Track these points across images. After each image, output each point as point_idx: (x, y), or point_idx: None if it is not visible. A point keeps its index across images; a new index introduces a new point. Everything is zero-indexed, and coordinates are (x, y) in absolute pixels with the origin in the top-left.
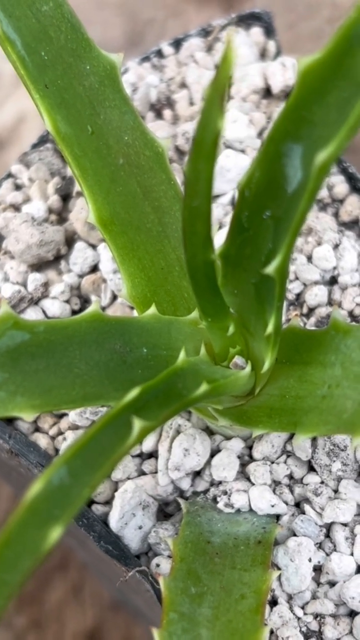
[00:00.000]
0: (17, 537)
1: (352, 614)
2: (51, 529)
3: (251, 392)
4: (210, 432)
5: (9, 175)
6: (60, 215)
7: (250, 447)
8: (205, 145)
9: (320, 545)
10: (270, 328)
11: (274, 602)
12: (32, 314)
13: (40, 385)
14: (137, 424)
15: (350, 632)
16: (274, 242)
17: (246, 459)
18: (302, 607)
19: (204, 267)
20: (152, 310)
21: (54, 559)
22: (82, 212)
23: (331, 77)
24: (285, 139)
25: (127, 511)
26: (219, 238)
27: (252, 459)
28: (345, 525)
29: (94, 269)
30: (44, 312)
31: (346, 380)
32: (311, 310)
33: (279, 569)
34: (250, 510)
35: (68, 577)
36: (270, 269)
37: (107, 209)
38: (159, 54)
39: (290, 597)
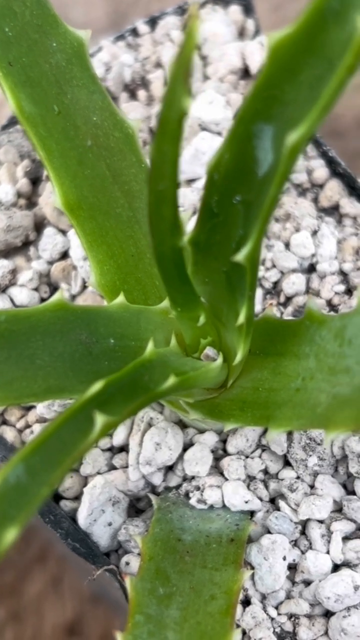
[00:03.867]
0: None
1: (327, 614)
2: (6, 530)
3: (223, 384)
4: (183, 425)
5: None
6: (30, 199)
7: (224, 441)
8: (171, 126)
9: (295, 543)
10: (242, 318)
11: (247, 602)
12: None
13: (1, 377)
14: (100, 419)
15: (326, 633)
16: (245, 227)
17: (220, 453)
18: (276, 607)
19: (172, 254)
20: (121, 299)
21: (33, 550)
22: (51, 196)
23: (303, 54)
24: (255, 119)
25: (96, 507)
26: (192, 224)
27: (226, 453)
28: (321, 522)
29: (64, 255)
30: (11, 300)
31: (320, 372)
32: (288, 299)
33: (252, 567)
34: (224, 506)
35: (47, 569)
36: (241, 256)
37: (74, 192)
38: (134, 32)
39: (263, 597)
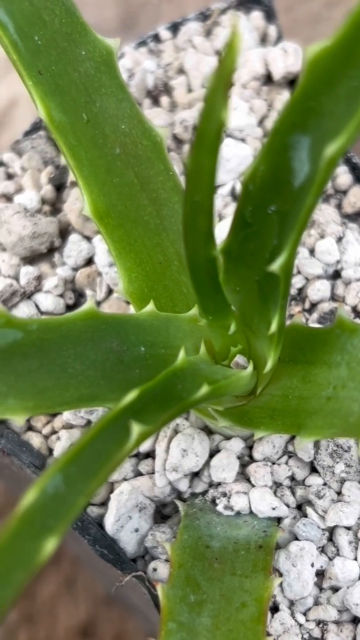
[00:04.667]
0: (10, 549)
1: (355, 620)
2: (46, 540)
3: (253, 392)
4: (209, 431)
5: (1, 163)
6: (54, 205)
7: (250, 447)
8: (208, 137)
9: (322, 550)
10: (273, 327)
11: (275, 609)
12: (24, 309)
13: (34, 386)
14: (136, 429)
15: (354, 639)
16: (279, 238)
17: (246, 460)
18: (304, 614)
19: (205, 264)
20: (150, 307)
21: None
22: (76, 202)
23: (341, 66)
24: (292, 130)
25: (123, 513)
26: (219, 230)
27: (252, 459)
28: (348, 528)
29: (89, 261)
30: (37, 306)
31: (352, 381)
32: (313, 305)
33: (280, 574)
34: (251, 512)
35: (61, 570)
36: (275, 266)
37: (103, 200)
38: (156, 38)
39: (292, 603)
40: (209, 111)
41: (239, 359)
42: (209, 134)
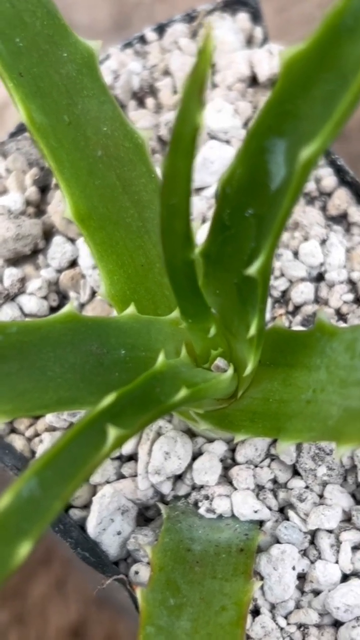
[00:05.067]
0: None
1: (336, 624)
2: (20, 544)
3: (234, 395)
4: (192, 434)
5: None
6: (38, 207)
7: (233, 450)
8: (184, 141)
9: (304, 553)
10: (253, 330)
11: (256, 612)
12: (8, 311)
13: (13, 389)
14: (112, 433)
15: None
16: (257, 241)
17: (229, 463)
18: (285, 617)
19: (184, 267)
20: (131, 309)
21: (38, 553)
22: (60, 204)
23: (316, 69)
24: (268, 134)
25: (106, 516)
26: (203, 233)
27: (235, 462)
28: (330, 532)
29: (73, 263)
30: (20, 308)
31: (331, 385)
32: (297, 308)
33: (261, 577)
34: (233, 515)
35: (51, 571)
36: (253, 269)
37: (84, 203)
38: (142, 40)
39: (273, 607)
40: (184, 115)
41: (220, 362)
42: (184, 137)
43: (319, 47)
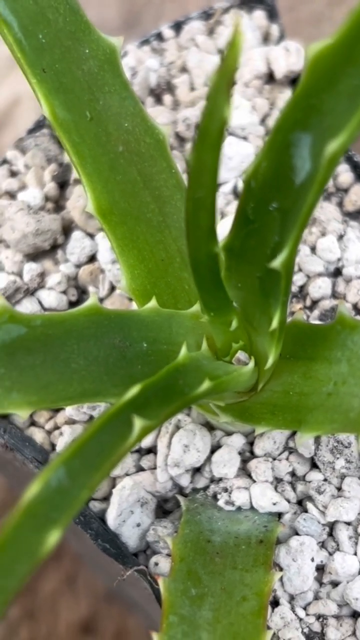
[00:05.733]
0: (13, 541)
1: (355, 615)
2: (49, 532)
3: (254, 388)
4: (210, 427)
5: (4, 161)
6: (57, 203)
7: (251, 443)
8: (211, 135)
9: (323, 545)
10: (275, 323)
11: (275, 603)
12: (27, 305)
13: (37, 381)
14: (138, 423)
15: (354, 633)
16: (281, 235)
17: (247, 455)
18: (304, 608)
19: (207, 261)
20: (153, 303)
21: None
22: (79, 200)
23: (342, 64)
24: (293, 128)
25: (125, 508)
26: (221, 228)
27: (253, 455)
28: (348, 524)
29: (92, 258)
30: (40, 303)
31: (353, 377)
32: (315, 302)
33: (280, 569)
34: (252, 508)
35: (62, 567)
36: (277, 262)
37: (106, 198)
38: (159, 37)
39: (292, 598)
40: (211, 109)
41: (241, 355)
42: (211, 131)
43: (346, 42)
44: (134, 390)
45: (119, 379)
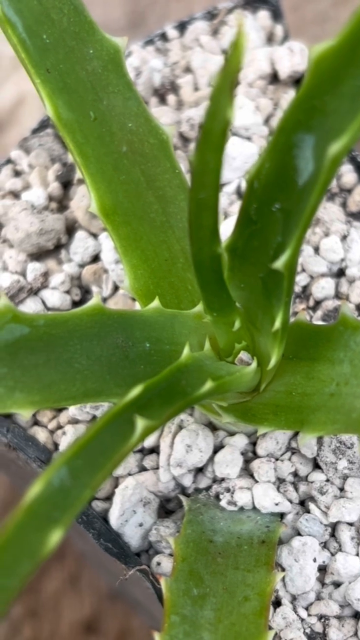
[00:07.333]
0: (15, 540)
1: (357, 615)
2: (51, 532)
3: (256, 388)
4: (213, 427)
5: (8, 161)
6: (61, 203)
7: (254, 444)
8: (214, 135)
9: (325, 545)
10: (277, 324)
11: (277, 603)
12: (31, 305)
13: (40, 380)
14: (140, 423)
15: (355, 634)
16: (283, 235)
17: (250, 456)
18: (306, 608)
19: (210, 261)
20: (156, 303)
21: None
22: (83, 200)
23: (345, 65)
24: (296, 129)
25: (128, 508)
26: (224, 228)
27: (256, 455)
28: (351, 524)
29: (95, 258)
30: (43, 302)
31: (355, 378)
32: (318, 303)
33: (282, 569)
34: (254, 508)
35: (65, 566)
36: (279, 263)
37: (109, 198)
38: (163, 37)
39: (294, 598)
40: (214, 109)
41: (243, 355)
42: (214, 132)
43: (349, 44)
44: (136, 390)
45: (121, 379)
